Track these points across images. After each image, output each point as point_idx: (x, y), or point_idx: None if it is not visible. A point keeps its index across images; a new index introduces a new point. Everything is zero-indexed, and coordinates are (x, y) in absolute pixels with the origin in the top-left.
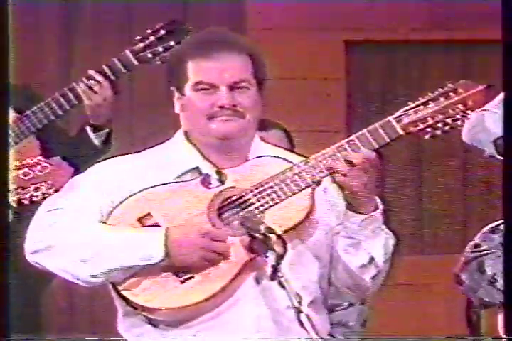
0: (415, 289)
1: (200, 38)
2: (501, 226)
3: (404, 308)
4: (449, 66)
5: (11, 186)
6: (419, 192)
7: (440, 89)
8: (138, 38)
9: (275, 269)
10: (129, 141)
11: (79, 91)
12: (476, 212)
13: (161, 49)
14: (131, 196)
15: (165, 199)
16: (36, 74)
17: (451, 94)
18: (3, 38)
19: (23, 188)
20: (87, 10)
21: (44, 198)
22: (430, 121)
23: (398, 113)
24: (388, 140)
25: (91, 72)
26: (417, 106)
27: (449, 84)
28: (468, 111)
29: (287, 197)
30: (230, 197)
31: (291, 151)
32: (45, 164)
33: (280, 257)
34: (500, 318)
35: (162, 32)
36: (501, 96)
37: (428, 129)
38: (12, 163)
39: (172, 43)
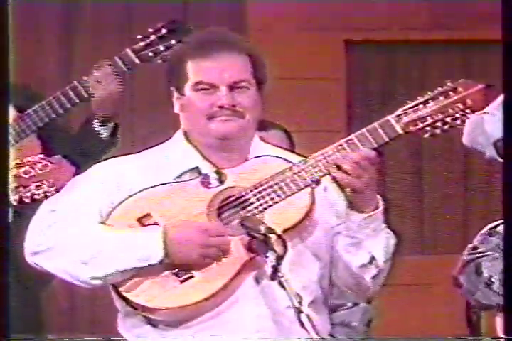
0: (415, 289)
1: (200, 38)
2: (499, 229)
3: (404, 308)
4: (449, 66)
5: (12, 184)
6: (419, 192)
7: (440, 88)
8: (139, 36)
9: (275, 269)
10: (129, 141)
11: (81, 89)
12: (476, 212)
13: (162, 48)
14: (130, 196)
15: (164, 200)
16: (36, 73)
17: (451, 93)
18: (3, 37)
19: (24, 187)
20: (87, 10)
21: (45, 196)
22: (429, 120)
23: (397, 112)
24: (387, 139)
25: (100, 65)
26: (417, 105)
27: (449, 83)
28: (467, 111)
29: (287, 197)
30: (229, 197)
31: (291, 151)
32: (46, 162)
33: (280, 257)
34: (498, 321)
35: (163, 31)
36: (501, 98)
37: (427, 128)
38: (13, 162)
39: (173, 42)
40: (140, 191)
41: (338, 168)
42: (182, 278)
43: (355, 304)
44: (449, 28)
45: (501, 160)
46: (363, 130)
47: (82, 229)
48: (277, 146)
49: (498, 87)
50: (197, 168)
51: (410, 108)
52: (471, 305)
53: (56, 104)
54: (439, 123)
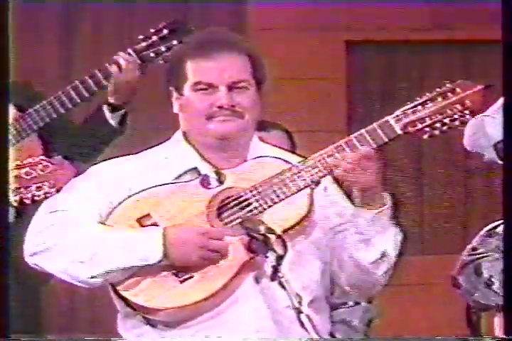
0: (415, 289)
1: (199, 38)
2: (498, 230)
3: (404, 308)
4: (449, 66)
5: (13, 186)
6: (419, 192)
7: (438, 89)
8: (141, 37)
9: (275, 269)
10: (129, 141)
11: (82, 89)
12: (476, 212)
13: (163, 48)
14: (130, 197)
15: (164, 200)
16: (36, 73)
17: (449, 94)
18: (4, 37)
19: (25, 188)
20: (87, 10)
21: (46, 198)
22: (428, 121)
23: (397, 113)
24: (386, 139)
25: (120, 54)
26: (416, 106)
27: (447, 84)
28: (466, 111)
29: (286, 197)
30: (229, 198)
31: (291, 152)
32: (47, 163)
33: (280, 257)
34: (496, 321)
35: (165, 31)
36: (501, 101)
37: (426, 129)
38: (13, 163)
39: (175, 43)
40: (139, 191)
41: (340, 168)
42: (181, 278)
43: (357, 303)
44: (449, 28)
45: (501, 162)
46: (362, 131)
47: (82, 229)
48: (277, 147)
49: (498, 87)
50: (196, 168)
51: (409, 109)
52: (471, 306)
53: (57, 103)
54: (437, 124)
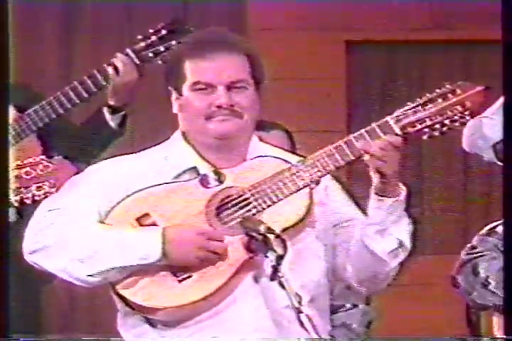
0: (415, 289)
1: (198, 38)
2: (497, 229)
3: (404, 308)
4: (449, 66)
5: (13, 185)
6: (419, 192)
7: (438, 90)
8: (139, 37)
9: (275, 269)
10: (128, 141)
11: (81, 90)
12: (476, 212)
13: (162, 48)
14: (129, 196)
15: (163, 199)
16: (36, 73)
17: (450, 95)
18: (3, 37)
19: (25, 187)
20: (87, 10)
21: (46, 197)
22: (428, 122)
23: (396, 113)
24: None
25: (118, 56)
26: (415, 106)
27: (447, 85)
28: (466, 113)
29: (285, 197)
30: (228, 197)
31: (291, 152)
32: (47, 163)
33: (280, 257)
34: (495, 320)
35: (163, 31)
36: (500, 101)
37: (426, 130)
38: (14, 163)
39: (173, 43)
40: (139, 191)
41: (368, 154)
42: (180, 278)
43: (354, 305)
44: (449, 28)
45: (500, 163)
46: (362, 131)
47: (81, 227)
48: (276, 147)
49: (498, 88)
50: (195, 168)
51: (409, 109)
52: (471, 306)
53: (56, 103)
54: (437, 125)
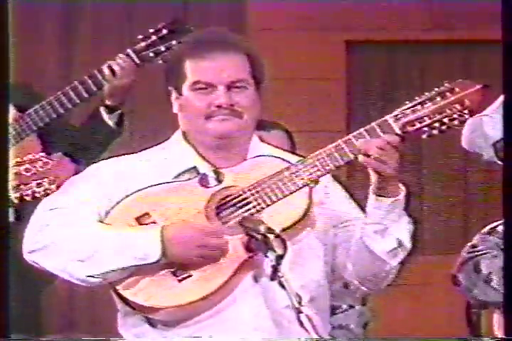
0: (415, 289)
1: (198, 38)
2: (498, 228)
3: (404, 308)
4: (449, 66)
5: (13, 182)
6: (419, 191)
7: (437, 89)
8: (140, 37)
9: (275, 269)
10: (128, 141)
11: (81, 89)
12: (476, 212)
13: (162, 48)
14: (129, 196)
15: (163, 199)
16: (36, 73)
17: (448, 93)
18: (4, 37)
19: (25, 184)
20: (87, 10)
21: (46, 194)
22: (427, 121)
23: (396, 112)
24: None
25: (116, 58)
26: (415, 105)
27: (446, 84)
28: (465, 111)
29: (285, 197)
30: (227, 197)
31: (291, 152)
32: (47, 160)
33: (280, 257)
34: (495, 318)
35: (164, 31)
36: (500, 100)
37: (425, 129)
38: (13, 160)
39: (174, 43)
40: (138, 190)
41: (365, 154)
42: (180, 277)
43: (351, 306)
44: (449, 28)
45: (500, 162)
46: (361, 130)
47: (81, 226)
48: (276, 147)
49: (497, 87)
50: (195, 167)
51: (408, 108)
52: (471, 305)
53: (57, 103)
54: (436, 124)
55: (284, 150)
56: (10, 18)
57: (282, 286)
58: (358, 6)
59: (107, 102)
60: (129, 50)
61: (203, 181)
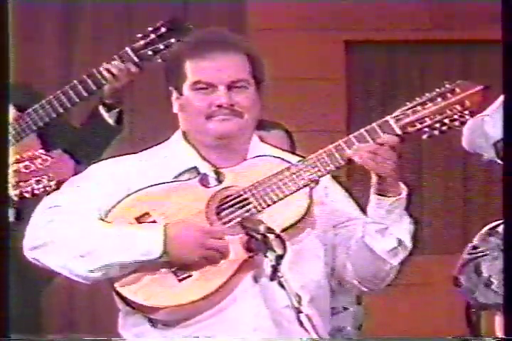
0: (415, 289)
1: (198, 38)
2: (499, 229)
3: (404, 308)
4: (449, 66)
5: (13, 180)
6: (419, 191)
7: (438, 90)
8: (139, 35)
9: (275, 269)
10: (128, 141)
11: (81, 89)
12: (476, 212)
13: (161, 46)
14: (129, 195)
15: (163, 199)
16: (36, 73)
17: (449, 94)
18: (4, 37)
19: (25, 181)
20: (87, 10)
21: (45, 191)
22: (428, 122)
23: (396, 113)
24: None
25: (112, 58)
26: (415, 106)
27: (447, 85)
28: (465, 112)
29: (285, 196)
30: (228, 196)
31: (291, 152)
32: (46, 157)
33: (280, 257)
34: (497, 320)
35: (163, 29)
36: (500, 100)
37: (426, 129)
38: (13, 157)
39: (173, 41)
40: (139, 190)
41: (363, 155)
42: (180, 277)
43: (345, 308)
44: (449, 28)
45: (500, 161)
46: (362, 130)
47: (81, 224)
48: (276, 147)
49: (497, 87)
50: (196, 167)
51: (409, 109)
52: (471, 305)
53: (56, 103)
54: (437, 125)
55: (284, 150)
56: (10, 18)
57: (282, 286)
58: (357, 6)
59: (106, 101)
60: (127, 49)
61: (204, 181)
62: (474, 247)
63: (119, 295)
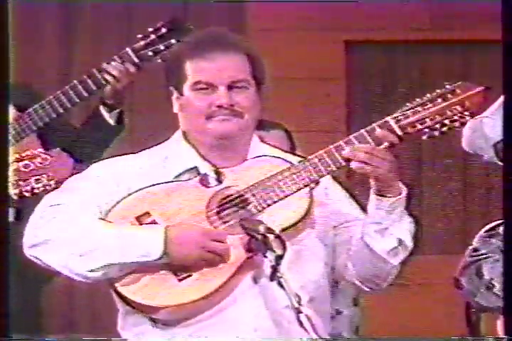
0: (415, 289)
1: (198, 38)
2: (499, 230)
3: (404, 308)
4: (449, 66)
5: (12, 179)
6: (419, 191)
7: (438, 91)
8: (139, 36)
9: (274, 269)
10: (128, 141)
11: (81, 89)
12: (476, 212)
13: (162, 47)
14: (129, 195)
15: (163, 199)
16: (36, 73)
17: (449, 95)
18: (4, 37)
19: (24, 180)
20: (87, 10)
21: (45, 189)
22: (428, 122)
23: (396, 113)
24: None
25: (112, 59)
26: (415, 107)
27: (447, 86)
28: (466, 113)
29: (285, 197)
30: (228, 197)
31: (291, 152)
32: (45, 156)
33: (279, 257)
34: (499, 323)
35: (163, 30)
36: (500, 101)
37: (426, 130)
38: (12, 156)
39: (173, 41)
40: (139, 190)
41: (360, 155)
42: (180, 277)
43: (338, 312)
44: (449, 28)
45: (500, 163)
46: (362, 131)
47: (82, 223)
48: (276, 147)
49: (497, 87)
50: (196, 167)
51: (409, 110)
52: (471, 306)
53: (56, 103)
54: (437, 126)
55: (284, 150)
56: (10, 18)
57: (281, 286)
58: (357, 6)
59: (107, 101)
60: (128, 49)
61: (204, 181)
62: (475, 250)
63: (119, 294)
